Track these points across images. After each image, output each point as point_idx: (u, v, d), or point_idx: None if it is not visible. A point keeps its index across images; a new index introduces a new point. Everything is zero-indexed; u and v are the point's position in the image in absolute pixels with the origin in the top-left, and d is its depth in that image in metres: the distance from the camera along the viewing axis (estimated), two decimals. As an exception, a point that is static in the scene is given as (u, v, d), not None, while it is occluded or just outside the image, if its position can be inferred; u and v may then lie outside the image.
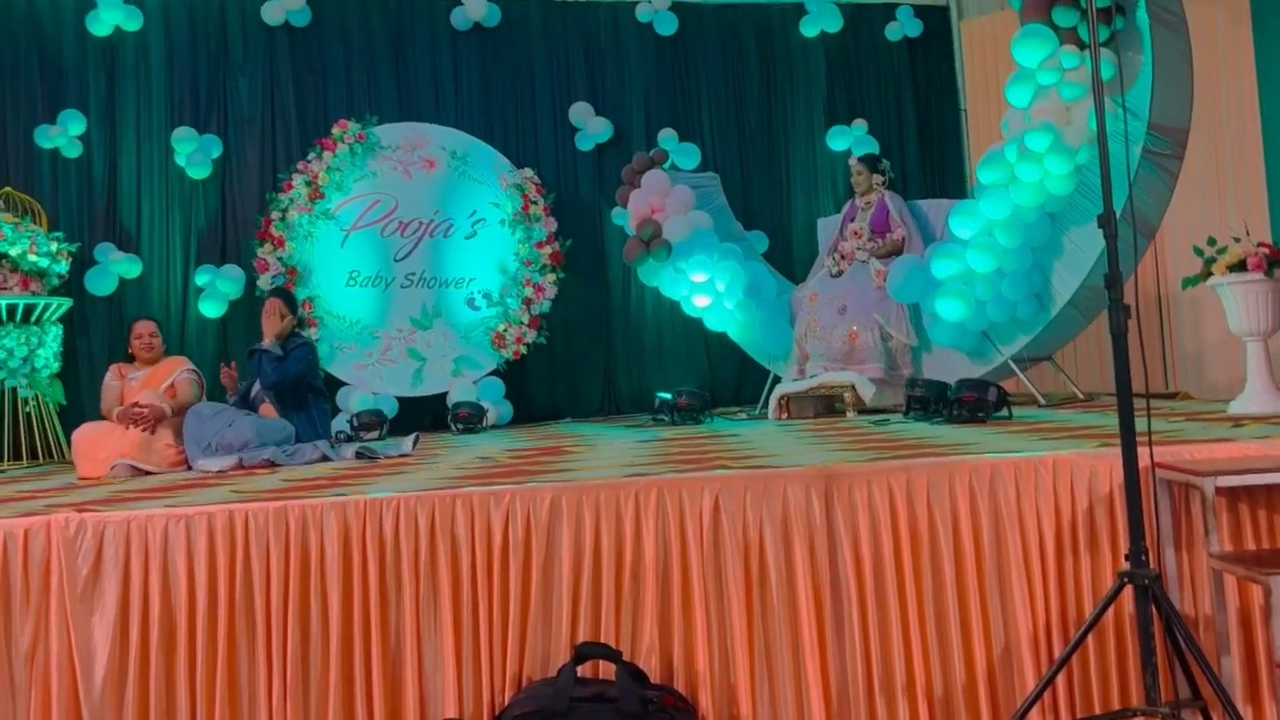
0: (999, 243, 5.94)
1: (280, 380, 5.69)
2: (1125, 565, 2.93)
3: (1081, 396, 6.50)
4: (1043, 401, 6.21)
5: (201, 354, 7.76)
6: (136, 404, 5.47)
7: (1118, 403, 2.94)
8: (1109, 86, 5.24)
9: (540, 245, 8.18)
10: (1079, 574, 3.35)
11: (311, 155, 7.94)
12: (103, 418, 5.71)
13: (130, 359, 5.97)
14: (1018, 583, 3.31)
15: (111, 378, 5.85)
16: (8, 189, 7.44)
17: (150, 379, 5.76)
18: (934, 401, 5.48)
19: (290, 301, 6.08)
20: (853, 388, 6.40)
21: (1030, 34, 5.82)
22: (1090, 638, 3.21)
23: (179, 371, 5.81)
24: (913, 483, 3.39)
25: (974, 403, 5.11)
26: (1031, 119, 5.80)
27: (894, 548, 3.33)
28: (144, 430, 5.36)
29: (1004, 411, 5.19)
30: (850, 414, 6.39)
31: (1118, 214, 2.94)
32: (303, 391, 5.78)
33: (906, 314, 6.60)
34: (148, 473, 5.25)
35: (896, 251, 6.80)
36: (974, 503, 3.37)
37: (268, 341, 5.77)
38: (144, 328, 5.95)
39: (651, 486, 3.40)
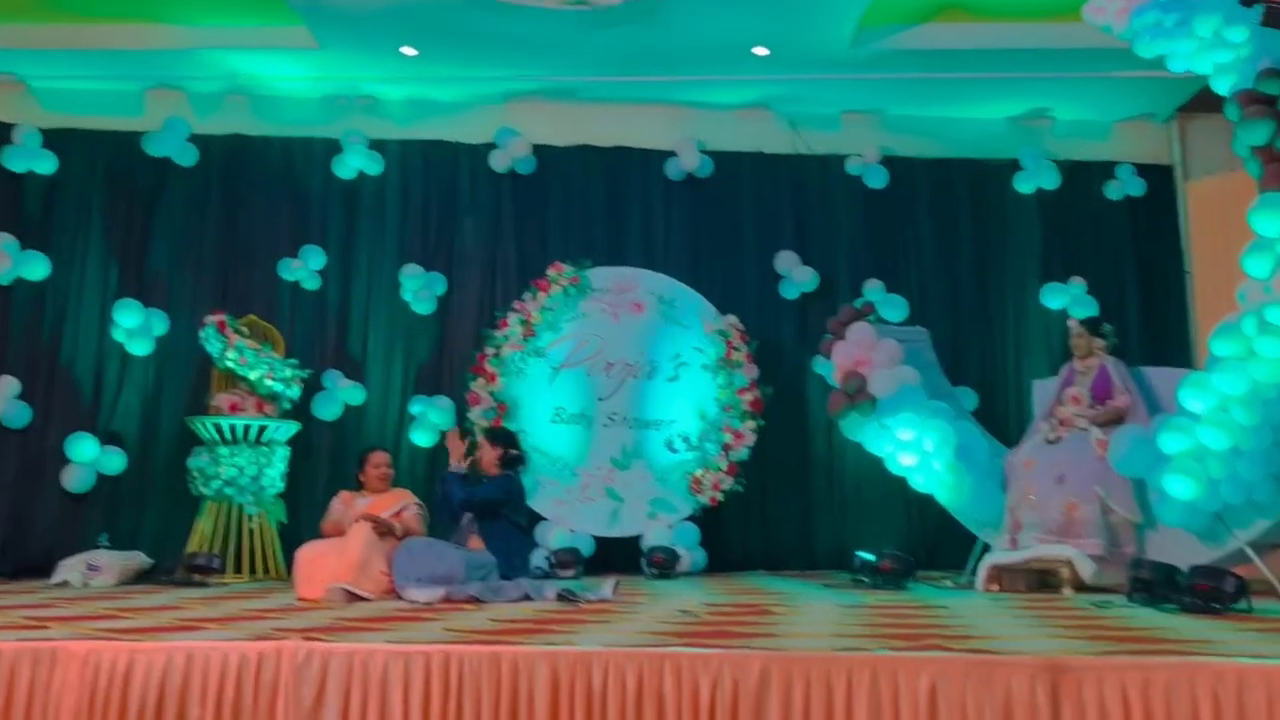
0: (1235, 419, 5.60)
1: (467, 500, 5.88)
2: (1405, 804, 2.63)
3: (1330, 591, 5.97)
4: (1285, 593, 5.74)
5: (412, 482, 8.01)
6: (383, 520, 5.80)
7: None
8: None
9: (741, 391, 8.20)
10: (1346, 808, 3.02)
11: (527, 295, 8.27)
12: (318, 534, 6.06)
13: (358, 486, 6.29)
14: (1270, 811, 3.02)
15: (339, 503, 6.19)
16: (252, 316, 8.03)
17: (374, 507, 6.04)
18: (1162, 586, 5.14)
19: (496, 435, 6.30)
20: (1070, 564, 6.07)
21: (1271, 203, 5.58)
22: None
23: (407, 504, 6.08)
24: (1149, 683, 3.17)
25: (1209, 592, 4.76)
26: (1273, 291, 5.52)
27: (1128, 754, 3.10)
28: (379, 534, 5.72)
29: (1243, 604, 4.80)
30: (1067, 592, 6.04)
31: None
32: (504, 525, 5.91)
33: (1130, 488, 6.26)
34: (361, 598, 5.44)
35: (1119, 420, 6.50)
36: (1219, 712, 3.10)
37: (459, 464, 6.05)
38: (381, 458, 6.34)
39: (865, 664, 3.29)
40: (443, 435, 6.19)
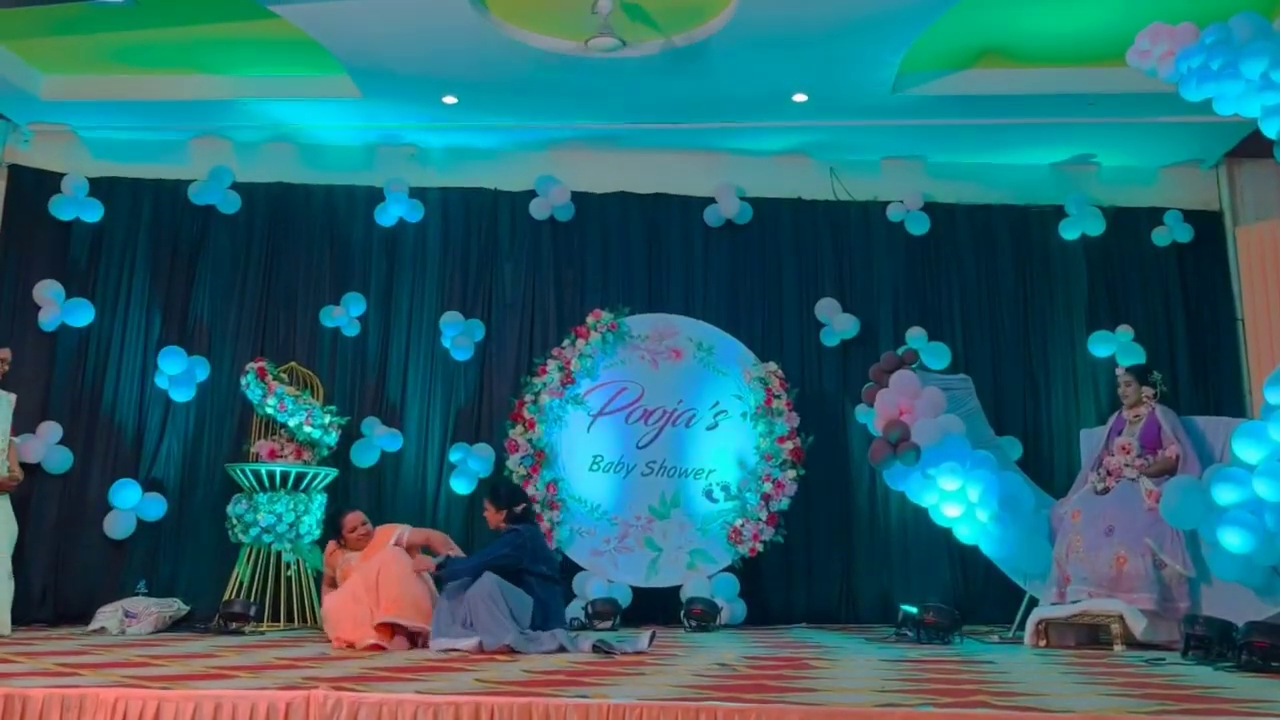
0: (1292, 470, 5.43)
1: (477, 567, 5.71)
2: None
3: (1392, 647, 5.73)
4: (1346, 650, 5.51)
5: (449, 528, 8.02)
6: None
7: None
8: None
9: (781, 440, 8.07)
10: None
11: (566, 342, 8.24)
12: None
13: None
14: None
15: (330, 554, 6.21)
16: (293, 364, 8.07)
17: (365, 555, 6.01)
18: (1217, 643, 4.97)
19: (496, 497, 6.14)
20: (1121, 619, 5.89)
21: (1325, 248, 5.44)
22: None
23: (400, 533, 6.01)
24: (1207, 744, 3.04)
25: (1267, 649, 4.60)
26: (1328, 338, 5.37)
27: (1186, 820, 2.96)
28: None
29: (1304, 662, 4.63)
30: (1118, 648, 5.87)
31: None
32: (527, 578, 5.76)
33: (1183, 541, 6.07)
34: (414, 631, 5.44)
35: (1169, 471, 6.32)
36: (1283, 776, 2.97)
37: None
38: (355, 519, 6.32)
39: (907, 720, 3.18)
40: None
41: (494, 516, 6.07)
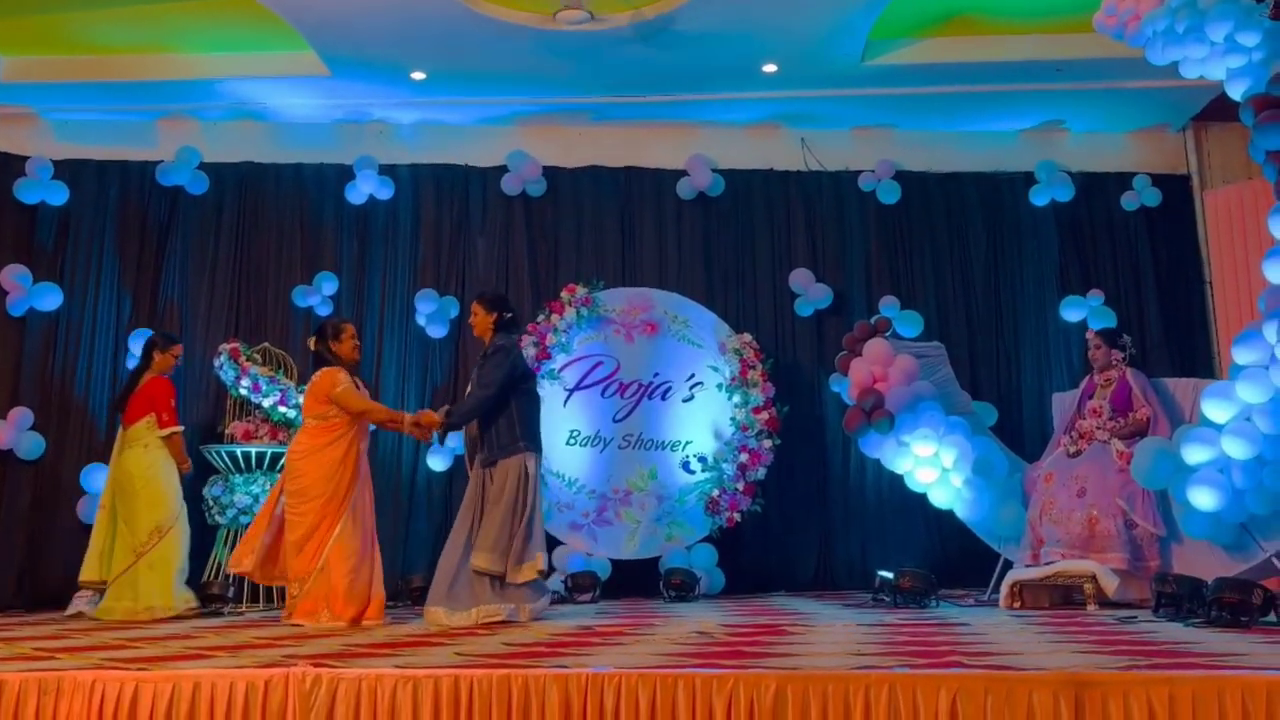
0: (1258, 429, 5.50)
1: (478, 406, 5.71)
2: None
3: (1359, 601, 5.83)
4: (1313, 605, 5.60)
5: (428, 505, 8.08)
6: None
7: None
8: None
9: (757, 411, 8.10)
10: (1381, 822, 2.93)
11: (540, 317, 8.23)
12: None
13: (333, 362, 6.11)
14: (1304, 826, 2.92)
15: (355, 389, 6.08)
16: (266, 344, 8.02)
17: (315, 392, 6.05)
18: (1187, 600, 5.04)
19: (488, 298, 6.05)
20: (1094, 578, 5.97)
21: (1289, 208, 5.49)
22: None
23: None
24: (1175, 697, 3.09)
25: (1236, 605, 4.67)
26: (1294, 297, 5.43)
27: (1155, 771, 3.01)
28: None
29: (1271, 616, 4.70)
30: (1091, 607, 5.95)
31: None
32: (516, 387, 5.76)
33: (1153, 500, 6.15)
34: None
35: (1140, 432, 6.38)
36: (1248, 726, 3.02)
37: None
38: (352, 328, 6.21)
39: (883, 682, 3.23)
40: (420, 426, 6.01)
41: (484, 320, 5.90)
